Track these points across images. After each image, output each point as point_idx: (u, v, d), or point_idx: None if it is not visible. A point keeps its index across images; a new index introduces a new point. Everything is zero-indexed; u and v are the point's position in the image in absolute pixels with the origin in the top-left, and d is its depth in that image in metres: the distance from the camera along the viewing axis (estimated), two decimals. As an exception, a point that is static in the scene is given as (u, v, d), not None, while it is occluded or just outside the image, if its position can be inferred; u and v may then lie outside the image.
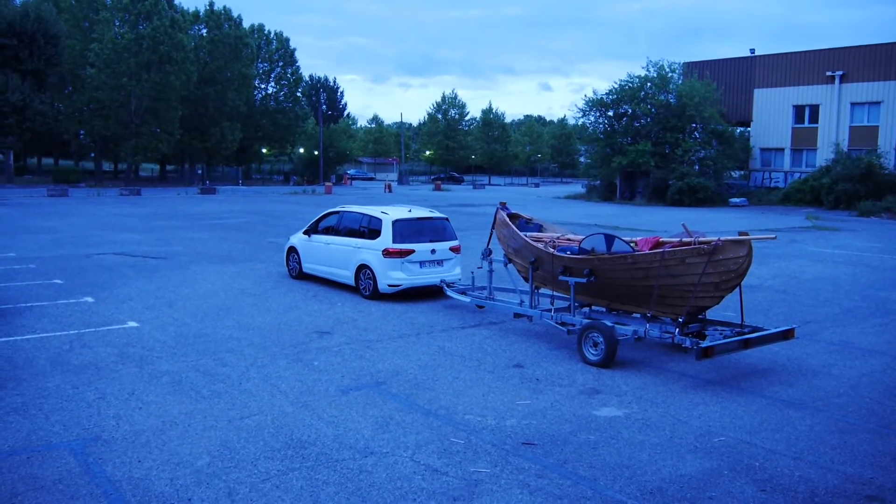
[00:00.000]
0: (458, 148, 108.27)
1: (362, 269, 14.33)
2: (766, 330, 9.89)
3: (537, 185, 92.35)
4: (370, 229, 14.42)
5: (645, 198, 49.91)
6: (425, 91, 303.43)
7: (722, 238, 9.05)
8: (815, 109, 49.21)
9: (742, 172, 53.94)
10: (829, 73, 47.73)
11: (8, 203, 40.86)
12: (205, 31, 76.28)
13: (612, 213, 39.49)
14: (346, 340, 10.84)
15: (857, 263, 19.95)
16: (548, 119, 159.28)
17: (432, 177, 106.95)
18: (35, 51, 59.68)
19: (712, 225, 31.91)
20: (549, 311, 11.02)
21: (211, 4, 77.04)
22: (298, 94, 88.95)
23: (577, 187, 70.60)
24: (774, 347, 10.64)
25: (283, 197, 53.03)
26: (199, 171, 78.65)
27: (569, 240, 11.59)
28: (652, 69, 52.14)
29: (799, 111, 50.20)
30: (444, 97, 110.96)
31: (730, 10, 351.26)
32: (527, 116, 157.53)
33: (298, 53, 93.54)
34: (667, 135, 49.92)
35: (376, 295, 14.04)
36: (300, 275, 16.23)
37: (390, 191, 65.55)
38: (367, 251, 14.16)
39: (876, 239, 26.88)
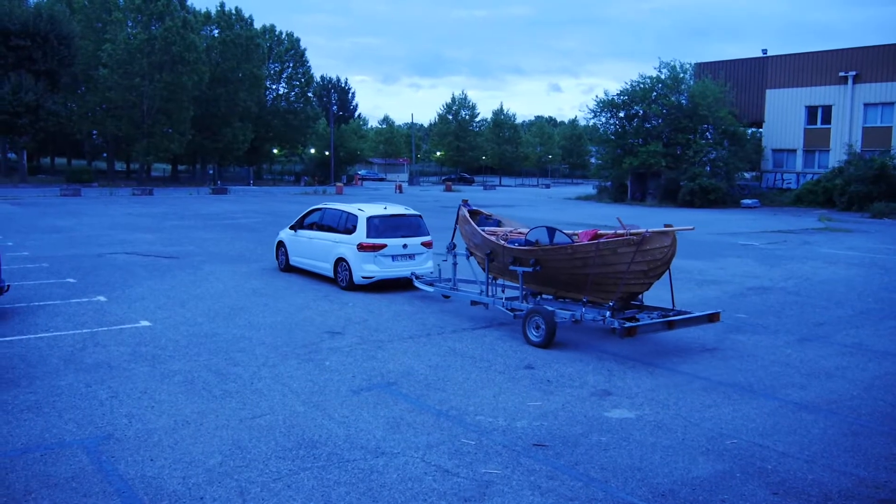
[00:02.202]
0: (468, 149, 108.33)
1: (340, 261, 15.28)
2: (691, 313, 10.72)
3: (548, 186, 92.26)
4: (347, 225, 15.38)
5: (656, 199, 49.75)
6: (435, 91, 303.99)
7: (649, 230, 9.91)
8: (827, 110, 48.95)
9: (754, 173, 53.69)
10: (841, 74, 47.46)
11: (21, 202, 41.13)
12: (216, 31, 76.64)
13: (623, 215, 39.20)
14: (358, 341, 10.85)
15: (870, 265, 19.82)
16: (558, 120, 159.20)
17: (443, 177, 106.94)
18: (48, 51, 60.04)
19: (722, 226, 31.79)
20: (501, 298, 11.96)
21: (222, 5, 77.38)
22: (309, 95, 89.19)
23: (588, 188, 70.47)
24: (787, 350, 10.61)
25: (294, 197, 53.16)
26: (211, 172, 79.05)
27: (520, 233, 12.35)
28: (664, 70, 52.03)
29: (811, 112, 49.94)
30: (454, 98, 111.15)
31: (738, 9, 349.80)
32: (537, 117, 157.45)
33: (309, 54, 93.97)
34: (678, 136, 49.76)
35: (352, 286, 14.95)
36: (287, 267, 17.24)
37: (401, 191, 65.60)
38: (344, 245, 15.13)
39: (889, 241, 26.69)
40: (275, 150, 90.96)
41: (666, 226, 9.98)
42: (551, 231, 11.07)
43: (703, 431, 7.36)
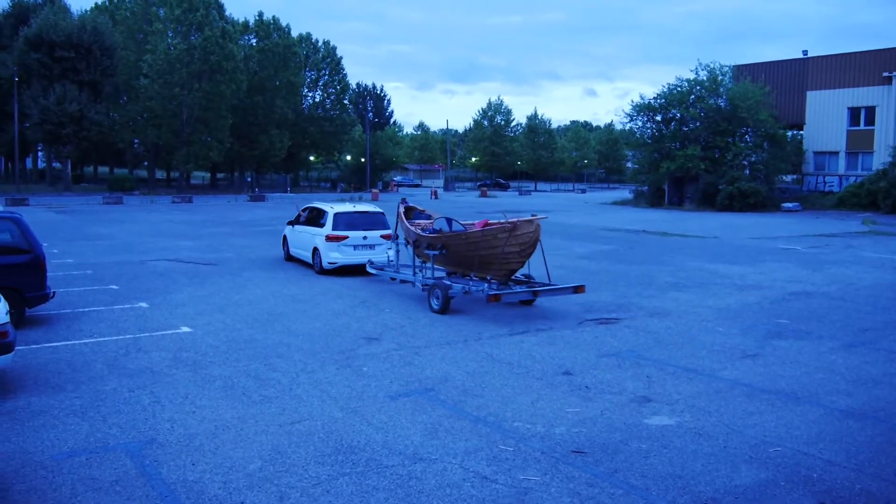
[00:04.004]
0: (504, 154, 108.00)
1: (315, 250, 18.06)
2: (557, 285, 13.49)
3: (584, 191, 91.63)
4: (321, 220, 18.08)
5: (694, 203, 49.11)
6: (470, 98, 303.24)
7: (519, 219, 12.78)
8: (871, 111, 47.89)
9: (795, 177, 52.73)
10: (885, 74, 46.39)
11: (66, 210, 42.05)
12: (254, 40, 77.58)
13: (660, 219, 38.95)
14: (395, 347, 10.88)
15: (917, 270, 19.32)
16: (594, 124, 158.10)
17: (478, 183, 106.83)
18: (91, 62, 61.38)
19: (762, 230, 31.28)
20: (420, 276, 14.57)
21: (260, 14, 78.36)
22: (345, 102, 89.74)
23: (625, 193, 69.84)
24: (832, 356, 10.40)
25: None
26: (249, 179, 79.95)
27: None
28: (702, 72, 51.40)
29: (854, 113, 48.92)
30: (489, 103, 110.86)
31: (776, 11, 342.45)
32: (573, 122, 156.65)
33: (344, 61, 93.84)
34: (716, 139, 49.10)
35: (323, 271, 17.70)
36: (288, 257, 20.19)
37: (436, 197, 65.70)
38: (318, 237, 17.89)
39: (937, 244, 25.99)
40: (311, 157, 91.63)
41: (532, 215, 12.98)
42: (449, 221, 14.16)
43: (746, 439, 7.23)
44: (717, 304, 14.31)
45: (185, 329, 11.90)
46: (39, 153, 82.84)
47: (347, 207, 18.51)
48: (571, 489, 6.10)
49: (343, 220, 17.69)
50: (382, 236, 17.64)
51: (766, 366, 9.94)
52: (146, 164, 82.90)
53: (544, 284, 13.56)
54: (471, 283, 13.37)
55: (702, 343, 11.17)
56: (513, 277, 13.77)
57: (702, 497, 5.97)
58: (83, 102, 60.13)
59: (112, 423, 7.54)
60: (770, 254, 22.79)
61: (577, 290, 13.43)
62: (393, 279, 15.90)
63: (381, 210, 18.51)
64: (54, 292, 12.64)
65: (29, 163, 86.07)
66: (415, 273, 14.88)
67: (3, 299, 8.77)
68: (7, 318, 8.49)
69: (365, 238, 17.62)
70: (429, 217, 16.51)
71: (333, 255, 17.49)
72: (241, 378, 9.19)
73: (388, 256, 16.72)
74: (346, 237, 17.45)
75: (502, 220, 13.22)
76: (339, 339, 11.35)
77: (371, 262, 16.75)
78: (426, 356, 10.35)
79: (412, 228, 15.07)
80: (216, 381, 9.07)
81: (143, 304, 13.93)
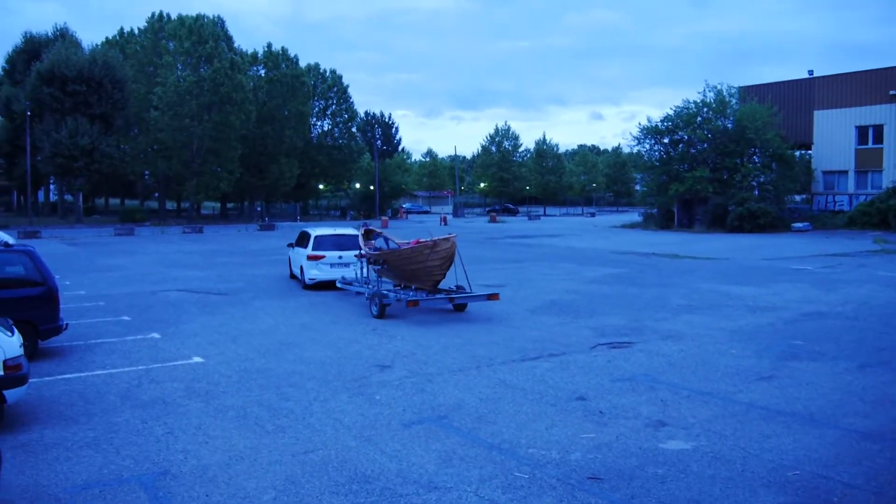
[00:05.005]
0: (512, 179, 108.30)
1: (301, 268, 20.58)
2: (473, 293, 15.65)
3: (593, 215, 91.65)
4: (306, 242, 20.60)
5: (704, 225, 49.00)
6: (477, 124, 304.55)
7: (438, 237, 15.21)
8: (879, 129, 47.87)
9: (804, 196, 52.62)
10: (892, 93, 46.45)
11: (78, 242, 42.32)
12: (263, 71, 78.39)
13: (671, 242, 38.85)
14: (407, 374, 10.84)
15: (931, 288, 19.16)
16: (601, 148, 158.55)
17: (487, 209, 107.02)
18: (103, 95, 62.16)
19: (773, 251, 31.15)
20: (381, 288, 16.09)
21: (269, 46, 79.28)
22: (353, 130, 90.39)
23: (634, 216, 69.79)
24: (848, 377, 10.30)
25: (340, 231, 53.55)
26: (259, 209, 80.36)
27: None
28: (709, 93, 51.53)
29: (862, 132, 48.90)
30: (497, 129, 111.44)
31: (780, 32, 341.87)
32: (580, 146, 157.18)
33: (352, 90, 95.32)
34: (725, 160, 49.11)
35: (306, 286, 20.14)
36: (292, 276, 22.48)
37: (446, 223, 65.77)
38: (302, 256, 20.45)
39: (950, 262, 25.79)
40: (321, 186, 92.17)
41: (449, 234, 15.67)
42: (386, 240, 16.96)
43: (763, 463, 7.15)
44: (731, 326, 14.23)
45: (198, 359, 11.90)
46: (51, 186, 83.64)
47: (328, 231, 21.10)
48: (588, 516, 6.03)
49: (323, 242, 20.15)
50: (356, 256, 18.90)
51: (782, 388, 9.85)
52: (157, 195, 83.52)
53: (462, 293, 15.57)
54: (400, 292, 15.91)
55: (716, 366, 11.09)
56: (441, 287, 16.01)
57: (721, 522, 5.89)
58: (94, 135, 60.78)
59: (125, 455, 7.53)
60: (782, 274, 22.69)
61: (491, 297, 15.44)
62: (359, 293, 17.56)
63: (357, 233, 20.16)
64: (67, 324, 12.68)
65: (41, 196, 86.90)
66: (368, 285, 16.78)
67: (16, 332, 8.81)
68: (21, 351, 8.53)
69: (340, 257, 19.79)
70: (385, 238, 18.51)
71: (313, 272, 19.88)
72: (253, 408, 9.17)
73: (356, 273, 18.33)
74: (324, 256, 19.84)
75: (428, 239, 15.50)
76: (351, 366, 11.33)
77: (343, 278, 18.78)
78: (439, 383, 10.30)
79: (365, 248, 17.39)
80: (229, 410, 9.06)
81: (156, 335, 13.96)
